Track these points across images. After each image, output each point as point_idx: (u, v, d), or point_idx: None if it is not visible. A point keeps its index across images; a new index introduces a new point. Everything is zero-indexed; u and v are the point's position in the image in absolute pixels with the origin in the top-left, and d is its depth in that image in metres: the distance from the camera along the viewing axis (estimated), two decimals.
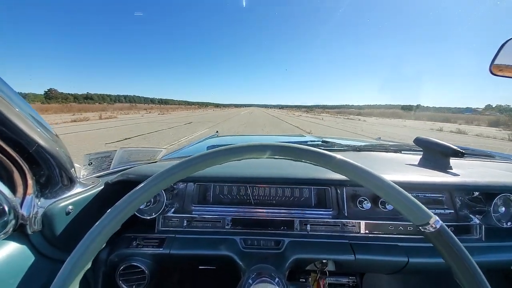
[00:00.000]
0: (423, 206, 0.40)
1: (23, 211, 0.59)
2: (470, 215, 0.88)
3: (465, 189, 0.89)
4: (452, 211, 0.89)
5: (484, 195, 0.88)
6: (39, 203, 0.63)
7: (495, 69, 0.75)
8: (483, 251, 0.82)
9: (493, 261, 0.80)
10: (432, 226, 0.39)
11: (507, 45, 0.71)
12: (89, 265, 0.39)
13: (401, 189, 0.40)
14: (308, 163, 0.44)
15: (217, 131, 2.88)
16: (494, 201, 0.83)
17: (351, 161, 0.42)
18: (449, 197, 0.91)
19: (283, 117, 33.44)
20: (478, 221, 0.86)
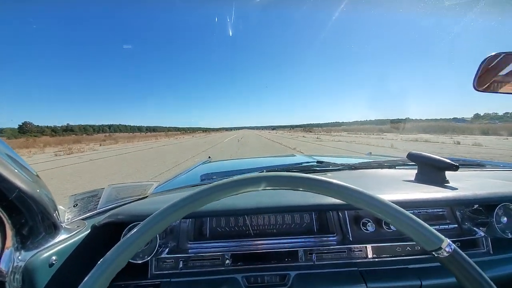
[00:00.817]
0: (434, 230, 0.38)
1: (2, 267, 0.52)
2: (474, 228, 0.87)
3: (465, 203, 0.88)
4: (456, 225, 0.88)
5: (484, 207, 0.87)
6: (19, 256, 0.56)
7: (478, 85, 0.80)
8: (494, 265, 0.79)
9: (503, 275, 0.78)
10: (445, 251, 0.37)
11: (486, 62, 0.76)
12: None
13: (410, 214, 0.39)
14: (309, 191, 0.42)
15: (209, 157, 2.84)
16: (495, 211, 0.83)
17: (357, 188, 0.41)
18: (450, 211, 0.90)
19: (286, 142, 23.07)
20: (483, 234, 0.85)
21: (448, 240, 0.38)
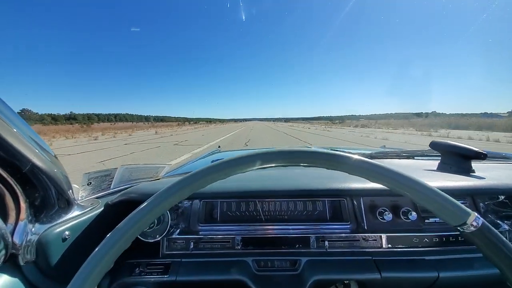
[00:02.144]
0: (460, 204, 0.35)
1: (15, 239, 0.53)
2: (498, 221, 0.81)
3: (494, 193, 0.83)
4: None
5: (511, 199, 0.81)
6: (33, 229, 0.57)
7: None
8: None
9: None
10: (472, 225, 0.34)
11: None
12: None
13: (433, 187, 0.36)
14: (321, 167, 0.40)
15: (219, 146, 2.85)
16: None
17: (374, 161, 0.38)
18: (472, 202, 0.84)
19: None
20: (507, 227, 0.79)
21: (476, 214, 0.35)
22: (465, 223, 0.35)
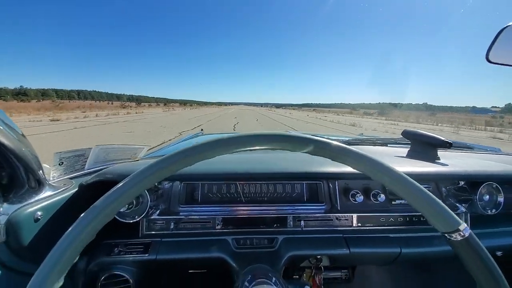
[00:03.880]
0: (452, 212, 0.36)
1: None
2: (457, 204, 0.91)
3: (455, 178, 0.91)
4: None
5: (470, 184, 0.90)
6: (1, 209, 0.55)
7: (492, 56, 0.77)
8: None
9: None
10: (460, 234, 0.35)
11: (504, 32, 0.72)
12: (61, 281, 0.33)
13: (429, 192, 0.37)
14: (309, 154, 0.39)
15: (201, 129, 2.79)
16: (479, 189, 0.86)
17: (375, 158, 0.38)
18: (435, 187, 0.93)
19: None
20: (464, 210, 0.89)
21: (465, 225, 0.36)
22: (453, 232, 0.36)
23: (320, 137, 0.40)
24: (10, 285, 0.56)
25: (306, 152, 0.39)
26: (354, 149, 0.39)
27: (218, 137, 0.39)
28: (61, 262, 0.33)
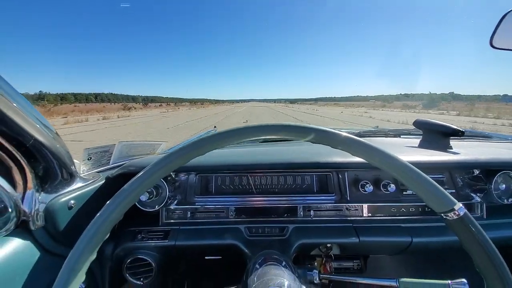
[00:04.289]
0: (447, 193, 0.38)
1: (25, 207, 0.58)
2: (471, 194, 0.89)
3: (466, 167, 0.90)
4: (453, 190, 0.90)
5: (485, 173, 0.88)
6: (40, 198, 0.62)
7: (496, 41, 0.75)
8: (485, 228, 0.82)
9: (495, 238, 0.81)
10: (455, 214, 0.37)
11: (507, 17, 0.70)
12: (94, 257, 0.38)
13: (423, 174, 0.39)
14: (316, 143, 0.42)
15: (215, 126, 2.87)
16: (495, 178, 0.84)
17: (370, 143, 0.40)
18: (449, 177, 0.91)
19: None
20: (479, 199, 0.87)
21: (460, 204, 0.38)
22: (449, 211, 0.38)
23: (333, 129, 0.43)
24: (48, 265, 0.63)
25: (307, 140, 0.42)
26: (349, 135, 0.42)
27: (224, 130, 0.43)
28: (93, 242, 0.37)
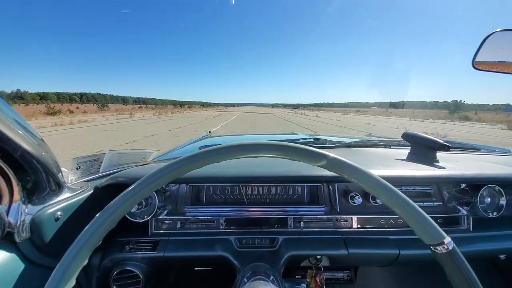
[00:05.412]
0: (437, 226, 0.39)
1: (10, 219, 0.57)
2: (458, 207, 0.91)
3: (452, 182, 0.92)
4: (440, 203, 0.92)
5: (471, 187, 0.90)
6: (26, 210, 0.61)
7: (478, 63, 0.78)
8: (471, 241, 0.84)
9: (481, 250, 0.83)
10: (444, 247, 0.38)
11: (489, 40, 0.73)
12: (83, 265, 0.38)
13: (416, 206, 0.39)
14: (313, 165, 0.44)
15: (209, 131, 2.87)
16: (480, 192, 0.86)
17: (368, 171, 0.41)
18: (437, 190, 0.93)
19: None
20: (465, 212, 0.89)
21: (449, 238, 0.38)
22: (438, 244, 0.38)
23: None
24: (33, 277, 0.62)
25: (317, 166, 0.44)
26: (349, 162, 0.43)
27: (218, 146, 0.44)
28: (78, 257, 0.37)
